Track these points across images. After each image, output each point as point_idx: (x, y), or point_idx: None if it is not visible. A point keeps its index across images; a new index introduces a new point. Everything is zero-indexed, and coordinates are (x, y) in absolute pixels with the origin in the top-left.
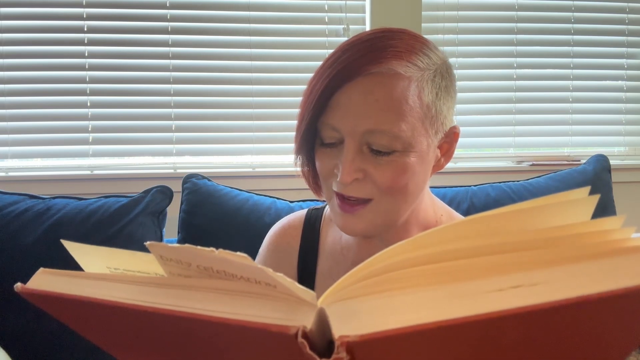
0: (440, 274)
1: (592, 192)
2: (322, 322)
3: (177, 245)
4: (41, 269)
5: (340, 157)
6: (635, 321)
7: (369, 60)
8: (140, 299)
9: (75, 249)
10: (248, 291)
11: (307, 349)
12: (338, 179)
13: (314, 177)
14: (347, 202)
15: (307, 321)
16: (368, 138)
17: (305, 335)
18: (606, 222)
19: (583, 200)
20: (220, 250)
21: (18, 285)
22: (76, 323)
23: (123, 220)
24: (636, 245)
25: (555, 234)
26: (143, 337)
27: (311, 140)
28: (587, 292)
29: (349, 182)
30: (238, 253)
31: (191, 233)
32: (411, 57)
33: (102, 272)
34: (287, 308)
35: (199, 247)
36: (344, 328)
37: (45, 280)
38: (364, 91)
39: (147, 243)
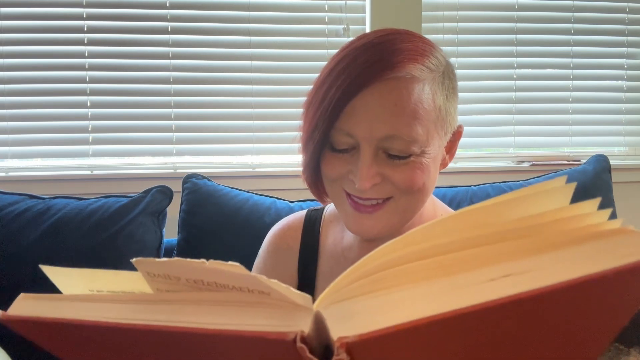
0: (433, 268)
1: (592, 192)
2: (319, 325)
3: (166, 259)
4: (22, 295)
5: (355, 163)
6: (619, 302)
7: (385, 66)
8: (129, 317)
9: (54, 273)
10: (242, 301)
11: (307, 353)
12: (356, 186)
13: (316, 182)
14: (363, 204)
15: (305, 326)
16: (385, 143)
17: (303, 339)
18: (583, 207)
19: (560, 188)
20: (211, 261)
21: None
22: (64, 350)
23: (123, 220)
24: (615, 228)
25: (535, 222)
26: (135, 358)
27: (322, 148)
28: (574, 276)
29: (368, 188)
30: (229, 262)
31: (191, 233)
32: (424, 60)
33: (86, 294)
34: (283, 314)
35: (188, 259)
36: (342, 329)
37: (27, 306)
38: (381, 96)
39: (134, 260)
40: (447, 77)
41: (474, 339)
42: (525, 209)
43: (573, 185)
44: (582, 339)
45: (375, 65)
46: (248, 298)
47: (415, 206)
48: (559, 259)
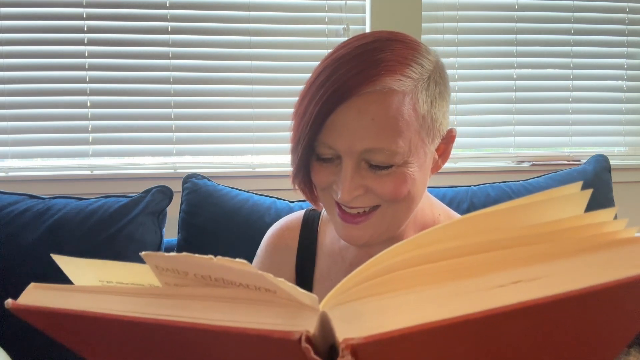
0: (441, 272)
1: (592, 192)
2: (324, 326)
3: (174, 254)
4: (32, 284)
5: (338, 173)
6: (631, 312)
7: (363, 80)
8: (137, 310)
9: (65, 263)
10: (248, 298)
11: (312, 354)
12: (339, 197)
13: (310, 189)
14: (350, 214)
15: (310, 326)
16: (366, 156)
17: (308, 340)
18: (599, 215)
19: (576, 195)
20: (219, 257)
21: (9, 302)
22: (71, 340)
23: (123, 220)
24: (630, 237)
25: (550, 229)
26: (140, 351)
27: (308, 158)
28: (586, 284)
29: (350, 200)
30: (237, 260)
31: (191, 233)
32: (404, 69)
33: (95, 285)
34: (289, 313)
35: (196, 255)
36: (347, 330)
37: (37, 296)
38: (359, 110)
39: (143, 253)
40: (434, 82)
41: (481, 345)
42: (538, 215)
43: (589, 192)
44: (594, 346)
45: (353, 79)
46: (254, 295)
47: (404, 213)
48: (572, 267)
